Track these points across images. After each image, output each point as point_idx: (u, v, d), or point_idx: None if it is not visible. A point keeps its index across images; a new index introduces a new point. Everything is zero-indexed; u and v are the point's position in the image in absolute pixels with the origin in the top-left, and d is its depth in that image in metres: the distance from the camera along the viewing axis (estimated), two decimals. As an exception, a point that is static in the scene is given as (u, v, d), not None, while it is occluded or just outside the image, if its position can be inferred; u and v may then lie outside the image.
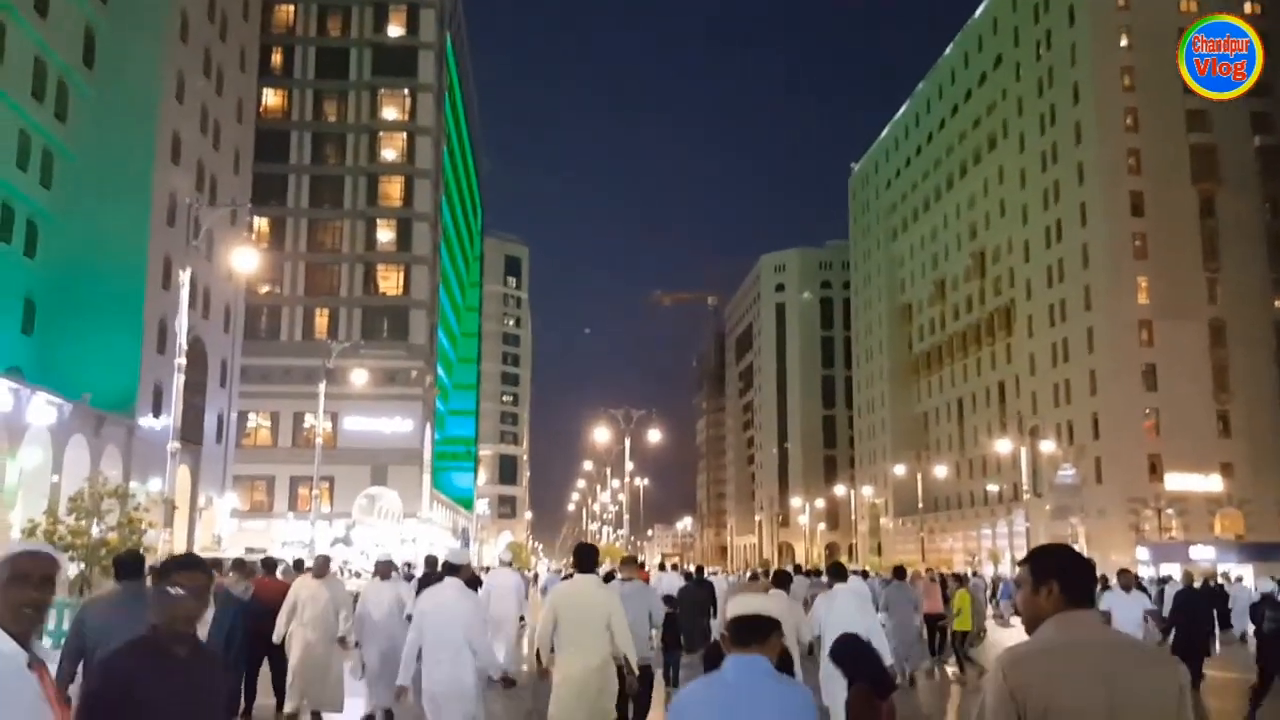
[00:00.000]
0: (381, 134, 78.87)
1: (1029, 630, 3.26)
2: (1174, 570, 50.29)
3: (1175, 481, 68.51)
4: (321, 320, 75.76)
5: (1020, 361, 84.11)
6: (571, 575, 8.56)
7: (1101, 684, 3.01)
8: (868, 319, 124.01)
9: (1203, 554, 60.27)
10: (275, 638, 11.95)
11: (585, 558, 8.24)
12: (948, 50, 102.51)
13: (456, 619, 7.71)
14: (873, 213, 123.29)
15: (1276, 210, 71.47)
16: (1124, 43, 73.48)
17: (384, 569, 12.84)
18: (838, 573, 11.49)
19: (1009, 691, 3.04)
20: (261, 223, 73.21)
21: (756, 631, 3.53)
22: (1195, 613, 15.47)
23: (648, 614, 10.87)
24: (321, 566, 12.47)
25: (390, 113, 79.37)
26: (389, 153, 79.03)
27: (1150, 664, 3.15)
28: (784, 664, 5.24)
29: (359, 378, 53.99)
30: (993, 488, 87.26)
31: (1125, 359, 69.96)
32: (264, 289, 72.98)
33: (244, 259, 26.22)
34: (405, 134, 79.12)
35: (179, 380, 25.02)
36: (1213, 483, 69.04)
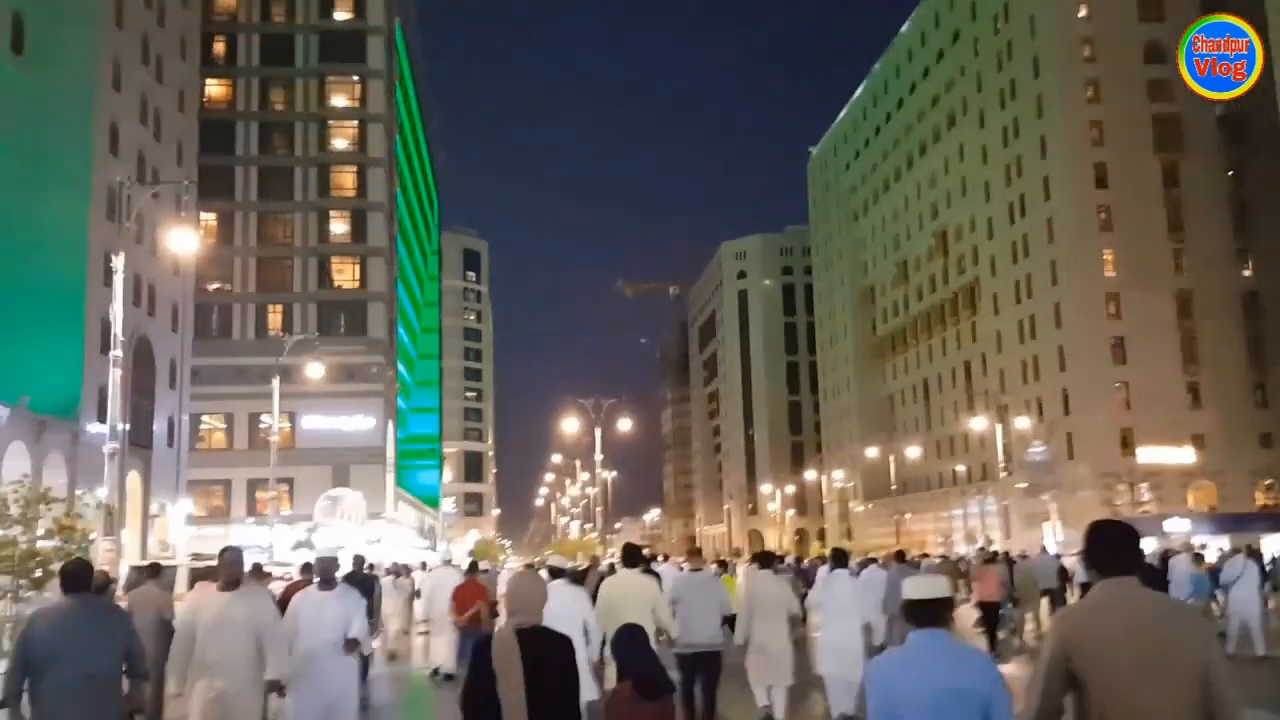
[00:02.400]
0: (331, 122, 76.42)
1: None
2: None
3: (1147, 455, 68.15)
4: (275, 316, 73.32)
5: (987, 339, 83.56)
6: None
7: (1130, 635, 3.58)
8: (831, 303, 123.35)
9: (1177, 527, 59.93)
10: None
11: (632, 555, 10.23)
12: (904, 28, 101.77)
13: (574, 617, 8.30)
14: (833, 196, 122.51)
15: (1239, 179, 71.25)
16: (1083, 13, 72.82)
17: (326, 569, 8.66)
18: (839, 558, 12.50)
19: (1059, 641, 3.70)
20: (209, 217, 70.65)
21: (934, 612, 4.03)
22: None
23: (717, 602, 10.83)
24: (232, 570, 7.77)
25: (340, 100, 76.97)
26: (340, 142, 76.61)
27: (1175, 618, 3.66)
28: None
29: (315, 373, 51.91)
30: (963, 468, 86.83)
31: (1093, 333, 69.47)
32: (213, 286, 70.68)
33: (184, 241, 24.42)
34: (356, 122, 76.65)
35: (118, 375, 23.23)
36: (1185, 455, 68.76)
